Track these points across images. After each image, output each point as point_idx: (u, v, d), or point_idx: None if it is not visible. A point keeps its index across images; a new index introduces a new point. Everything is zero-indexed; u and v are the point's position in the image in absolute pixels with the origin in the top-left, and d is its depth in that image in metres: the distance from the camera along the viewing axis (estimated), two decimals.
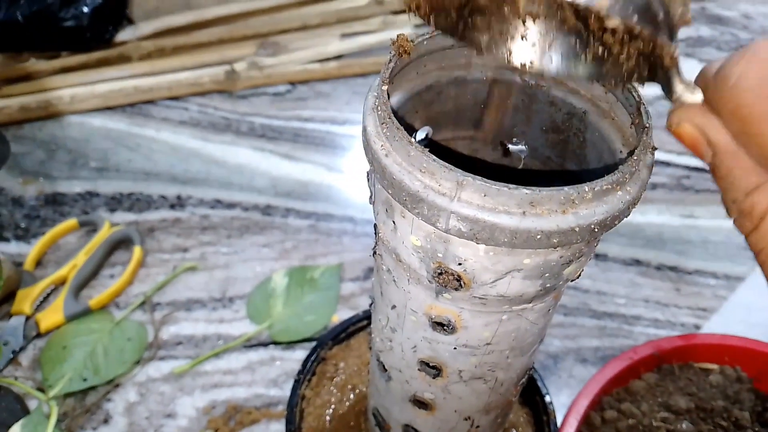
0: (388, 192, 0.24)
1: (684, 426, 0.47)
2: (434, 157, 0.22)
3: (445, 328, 0.28)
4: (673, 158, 0.83)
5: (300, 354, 0.60)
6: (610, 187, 0.22)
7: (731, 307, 0.67)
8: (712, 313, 0.66)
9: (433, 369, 0.31)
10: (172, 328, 0.61)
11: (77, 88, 0.81)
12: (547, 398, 0.46)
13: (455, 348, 0.29)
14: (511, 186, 0.21)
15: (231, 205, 0.72)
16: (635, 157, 0.23)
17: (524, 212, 0.22)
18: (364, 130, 0.25)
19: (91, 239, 0.66)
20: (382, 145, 0.24)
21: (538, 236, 0.22)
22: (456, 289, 0.26)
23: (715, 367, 0.52)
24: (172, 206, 0.71)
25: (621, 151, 0.26)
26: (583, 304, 0.66)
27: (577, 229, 0.22)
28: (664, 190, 0.79)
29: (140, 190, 0.73)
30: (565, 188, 0.21)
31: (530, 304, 0.27)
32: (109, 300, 0.63)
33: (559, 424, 0.47)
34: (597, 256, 0.70)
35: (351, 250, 0.68)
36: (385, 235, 0.27)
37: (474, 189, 0.22)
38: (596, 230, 0.22)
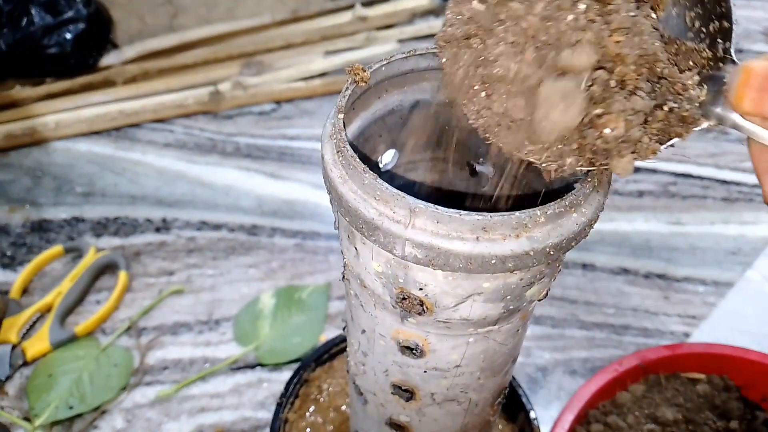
0: (346, 220, 0.24)
1: None
2: (387, 185, 0.22)
3: (413, 351, 0.28)
4: (660, 165, 0.83)
5: (287, 376, 0.59)
6: (563, 210, 0.22)
7: (720, 314, 0.67)
8: (701, 320, 0.66)
9: (405, 392, 0.31)
10: (159, 353, 0.61)
11: (62, 113, 0.81)
12: (532, 414, 0.46)
13: (425, 371, 0.29)
14: (462, 212, 0.21)
15: (217, 227, 0.72)
16: (589, 179, 0.23)
17: (477, 237, 0.22)
18: (322, 158, 0.25)
19: (76, 265, 0.66)
20: (338, 174, 0.24)
21: (493, 261, 0.22)
22: (420, 314, 0.26)
23: (702, 376, 0.52)
24: (158, 229, 0.71)
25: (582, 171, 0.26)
26: (571, 315, 0.66)
27: (531, 253, 0.22)
28: (650, 198, 0.79)
29: (126, 214, 0.73)
30: (517, 213, 0.21)
31: (496, 326, 0.27)
32: (95, 326, 0.62)
33: None
34: (584, 266, 0.70)
35: (338, 268, 0.68)
36: (350, 261, 0.27)
37: (427, 216, 0.22)
38: (552, 253, 0.22)
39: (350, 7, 0.97)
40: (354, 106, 0.28)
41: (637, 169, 0.80)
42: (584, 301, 0.67)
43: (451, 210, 0.21)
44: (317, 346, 0.61)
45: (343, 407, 0.48)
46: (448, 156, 0.33)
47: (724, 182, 0.81)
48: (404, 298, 0.25)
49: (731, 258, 0.72)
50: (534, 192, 0.31)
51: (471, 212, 0.21)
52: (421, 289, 0.24)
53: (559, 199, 0.22)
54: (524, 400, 0.47)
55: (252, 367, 0.60)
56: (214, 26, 0.92)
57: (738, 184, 0.81)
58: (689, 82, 0.22)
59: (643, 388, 0.51)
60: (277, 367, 0.60)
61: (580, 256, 0.71)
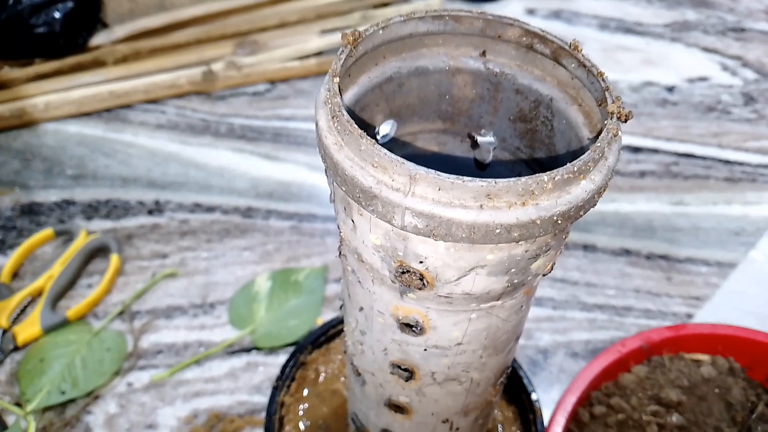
0: (342, 189, 0.23)
1: (674, 419, 0.46)
2: (386, 150, 0.21)
3: (413, 329, 0.27)
4: (661, 145, 0.82)
5: (284, 359, 0.58)
6: (571, 176, 0.20)
7: (724, 294, 0.66)
8: (704, 301, 0.65)
9: (405, 371, 0.30)
10: (152, 337, 0.60)
11: (51, 95, 0.80)
12: (533, 396, 0.45)
13: (425, 349, 0.28)
14: (465, 178, 0.20)
15: (210, 209, 0.70)
16: (598, 144, 0.21)
17: (481, 205, 0.20)
18: (316, 125, 0.24)
19: (67, 249, 0.65)
20: (333, 141, 0.23)
21: (498, 230, 0.20)
22: (420, 289, 0.24)
23: (706, 357, 0.51)
24: (150, 212, 0.70)
25: (588, 138, 0.25)
26: (572, 297, 0.65)
27: (538, 222, 0.20)
28: (652, 178, 0.78)
29: (117, 196, 0.71)
30: (524, 178, 0.20)
31: (499, 302, 0.26)
32: (87, 310, 0.61)
33: (546, 421, 0.45)
34: (585, 247, 0.69)
35: (334, 251, 0.67)
36: (346, 235, 0.26)
37: (428, 183, 0.20)
38: (559, 222, 0.21)
39: None
40: (350, 73, 0.27)
41: (638, 149, 0.79)
42: (585, 282, 0.66)
43: (454, 176, 0.20)
44: (314, 329, 0.60)
45: (341, 390, 0.47)
46: (448, 127, 0.31)
47: (727, 162, 0.80)
48: (404, 272, 0.24)
49: (734, 238, 0.71)
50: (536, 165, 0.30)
51: (475, 178, 0.20)
52: (421, 262, 0.23)
53: (568, 164, 0.20)
54: (525, 381, 0.46)
55: (248, 350, 0.59)
56: (207, 4, 0.90)
57: (741, 164, 0.79)
58: None
59: (647, 369, 0.50)
60: (273, 350, 0.59)
61: (581, 237, 0.70)
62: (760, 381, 0.51)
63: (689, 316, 0.64)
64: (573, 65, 0.26)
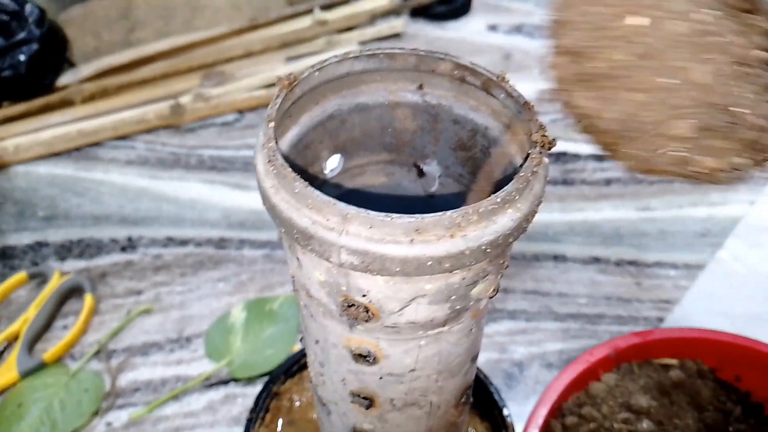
0: (281, 231, 0.23)
1: (645, 425, 0.47)
2: (318, 192, 0.22)
3: (366, 359, 0.28)
4: None
5: None
6: (496, 206, 0.21)
7: (693, 297, 0.67)
8: (674, 304, 0.66)
9: (365, 400, 0.31)
10: (130, 375, 0.60)
11: (20, 137, 0.80)
12: (505, 411, 0.46)
13: (381, 378, 0.29)
14: (394, 215, 0.21)
15: (183, 242, 0.71)
16: (522, 173, 0.22)
17: (411, 240, 0.21)
18: (255, 168, 0.24)
19: (41, 291, 0.65)
20: (270, 184, 0.23)
21: (429, 263, 0.21)
22: (366, 321, 0.25)
23: (674, 362, 0.52)
24: (123, 249, 0.70)
25: (521, 165, 0.26)
26: (544, 308, 0.66)
27: (467, 252, 0.21)
28: (618, 185, 0.79)
29: (90, 235, 0.72)
30: (449, 212, 0.21)
31: (446, 327, 0.26)
32: (63, 352, 0.61)
33: None
34: (555, 257, 0.70)
35: None
36: (294, 272, 0.27)
37: (359, 222, 0.21)
38: (489, 251, 0.22)
39: (309, 11, 0.96)
40: (291, 114, 0.27)
41: (603, 157, 0.80)
42: (557, 292, 0.67)
43: (382, 213, 0.21)
44: (289, 356, 0.61)
45: (315, 417, 0.47)
46: (394, 158, 0.32)
47: None
48: (349, 306, 0.25)
49: (701, 240, 0.72)
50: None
51: (402, 215, 0.21)
52: (364, 295, 0.24)
53: (492, 196, 0.21)
54: (496, 397, 0.47)
55: (225, 382, 0.59)
56: (172, 39, 0.90)
57: None
58: None
59: (616, 377, 0.51)
60: (250, 380, 0.59)
61: (551, 248, 0.71)
62: (729, 380, 0.52)
63: (660, 320, 0.65)
64: (502, 95, 0.27)
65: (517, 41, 1.02)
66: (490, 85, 0.27)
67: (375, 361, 0.28)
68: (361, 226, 0.21)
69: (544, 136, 0.24)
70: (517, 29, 1.05)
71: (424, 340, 0.27)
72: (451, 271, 0.22)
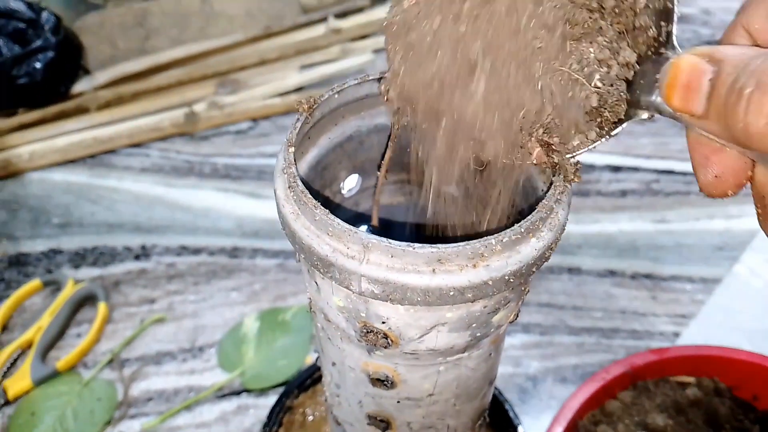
0: (301, 256, 0.23)
1: None
2: (339, 221, 0.22)
3: (384, 383, 0.27)
4: (641, 163, 0.82)
5: (274, 400, 0.59)
6: (519, 236, 0.21)
7: (710, 311, 0.66)
8: (690, 319, 0.65)
9: (382, 422, 0.30)
10: (142, 384, 0.60)
11: (36, 144, 0.80)
12: (520, 429, 0.45)
13: (398, 401, 0.28)
14: (416, 245, 0.20)
15: (197, 251, 0.71)
16: (545, 202, 0.22)
17: (434, 270, 0.21)
18: (275, 193, 0.24)
19: (55, 299, 0.65)
20: (291, 210, 0.23)
21: (451, 293, 0.21)
22: (385, 347, 0.25)
23: (691, 380, 0.51)
24: (137, 257, 0.70)
25: (542, 190, 0.26)
26: (559, 321, 0.65)
27: (490, 282, 0.21)
28: (634, 197, 0.78)
29: (104, 243, 0.72)
30: (472, 242, 0.21)
31: (465, 353, 0.26)
32: (76, 360, 0.61)
33: None
34: (570, 270, 0.70)
35: None
36: (312, 295, 0.26)
37: (381, 251, 0.21)
38: (512, 280, 0.21)
39: (323, 20, 0.96)
40: (309, 135, 0.27)
41: (618, 168, 0.79)
42: (572, 306, 0.66)
43: (404, 243, 0.21)
44: (303, 367, 0.60)
45: None
46: (412, 177, 0.32)
47: None
48: (368, 332, 0.25)
49: (718, 253, 0.72)
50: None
51: (425, 245, 0.20)
52: (383, 322, 0.24)
53: (515, 226, 0.21)
54: (511, 414, 0.46)
55: (238, 393, 0.59)
56: (186, 47, 0.91)
57: None
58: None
59: (632, 394, 0.50)
60: (263, 392, 0.59)
61: (566, 260, 0.70)
62: (746, 399, 0.51)
63: (676, 334, 0.64)
64: None
65: None
66: None
67: (393, 385, 0.27)
68: (383, 255, 0.21)
69: (572, 164, 0.23)
70: None
71: (443, 366, 0.26)
72: (473, 301, 0.22)
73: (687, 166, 0.82)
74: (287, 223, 0.23)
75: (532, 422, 0.56)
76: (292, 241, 0.23)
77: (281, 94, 0.88)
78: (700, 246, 0.73)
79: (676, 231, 0.74)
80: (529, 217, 0.21)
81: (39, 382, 0.59)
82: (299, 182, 0.23)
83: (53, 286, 0.68)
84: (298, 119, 0.25)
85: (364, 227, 0.31)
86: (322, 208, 0.22)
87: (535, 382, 0.60)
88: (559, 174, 0.23)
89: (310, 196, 0.22)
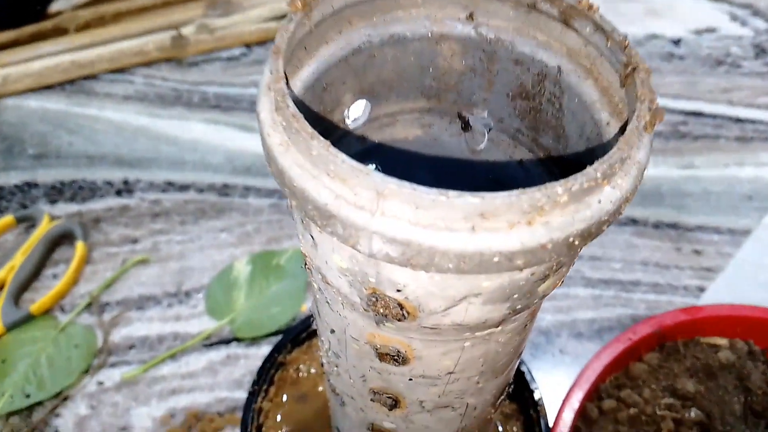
0: (292, 202, 0.18)
1: (692, 414, 0.42)
2: (345, 156, 0.16)
3: (394, 359, 0.22)
4: (668, 103, 0.76)
5: (267, 350, 0.54)
6: (593, 183, 0.15)
7: (738, 265, 0.61)
8: (716, 273, 0.61)
9: (389, 399, 0.26)
10: (124, 330, 0.55)
11: (9, 67, 0.74)
12: (536, 394, 0.41)
13: (411, 379, 0.23)
14: (452, 193, 0.15)
15: (184, 187, 0.65)
16: (626, 137, 0.16)
17: (473, 227, 0.15)
18: (258, 117, 0.18)
19: (29, 236, 0.60)
20: (278, 140, 0.17)
21: (496, 258, 0.15)
22: (399, 320, 0.19)
23: (724, 341, 0.47)
24: (119, 192, 0.65)
25: (608, 123, 0.20)
26: (575, 272, 0.60)
27: (549, 246, 0.15)
28: (659, 140, 0.72)
29: (83, 176, 0.66)
30: (529, 191, 0.15)
31: (498, 328, 0.21)
32: (52, 303, 0.57)
33: (551, 418, 0.41)
34: None
35: None
36: (307, 251, 0.21)
37: (402, 200, 0.15)
38: (576, 243, 0.16)
39: None
40: (306, 45, 0.21)
41: None
42: (589, 255, 0.61)
43: (435, 190, 0.15)
44: (299, 316, 0.56)
45: (325, 391, 0.43)
46: (433, 105, 0.26)
47: (738, 120, 0.74)
48: (377, 300, 0.19)
49: (747, 203, 0.66)
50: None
51: (464, 192, 0.15)
52: (399, 290, 0.18)
53: (589, 168, 0.15)
54: (528, 377, 0.42)
55: (227, 342, 0.55)
56: None
57: (753, 121, 0.74)
58: None
59: (659, 356, 0.45)
60: (254, 341, 0.55)
61: None
62: None
63: (701, 289, 0.59)
64: (588, 29, 0.20)
65: None
66: (572, 14, 0.20)
67: (405, 361, 0.22)
68: (404, 205, 0.15)
69: (651, 90, 0.17)
70: None
71: (469, 341, 0.21)
72: (522, 269, 0.16)
73: (716, 108, 0.76)
74: (273, 158, 0.17)
75: (545, 378, 0.52)
76: (280, 182, 0.17)
77: (277, 18, 0.81)
78: (728, 194, 0.67)
79: (704, 178, 0.69)
80: (606, 156, 0.16)
81: (11, 327, 0.55)
82: (290, 102, 0.17)
83: (27, 223, 0.62)
84: (290, 20, 0.19)
85: (371, 167, 0.25)
86: (321, 138, 0.16)
87: (548, 336, 0.56)
88: (641, 99, 0.17)
89: (305, 122, 0.16)
